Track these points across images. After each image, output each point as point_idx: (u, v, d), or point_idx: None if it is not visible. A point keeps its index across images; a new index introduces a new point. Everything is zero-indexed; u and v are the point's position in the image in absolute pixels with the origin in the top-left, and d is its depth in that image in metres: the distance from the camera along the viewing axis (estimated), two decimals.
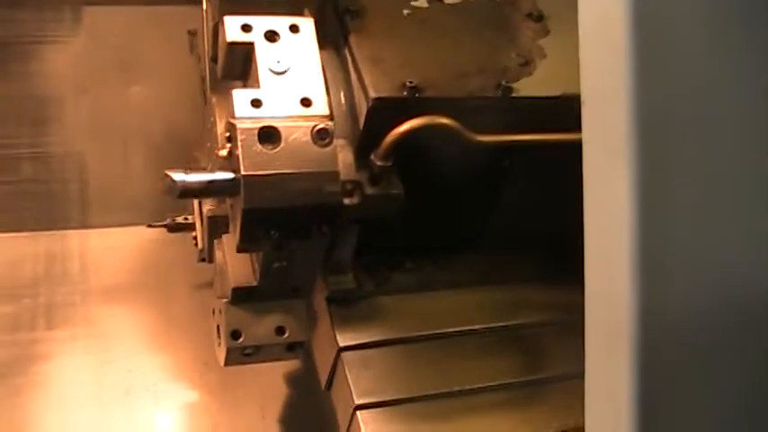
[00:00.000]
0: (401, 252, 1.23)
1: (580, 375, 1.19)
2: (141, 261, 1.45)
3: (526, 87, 1.11)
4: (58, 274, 1.46)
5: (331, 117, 1.05)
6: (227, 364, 1.12)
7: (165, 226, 1.34)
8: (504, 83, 1.10)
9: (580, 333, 1.18)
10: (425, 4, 1.17)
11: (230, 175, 0.95)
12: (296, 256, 1.06)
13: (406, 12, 1.15)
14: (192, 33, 1.26)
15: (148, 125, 1.44)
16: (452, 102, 1.07)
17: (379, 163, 1.05)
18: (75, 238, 1.49)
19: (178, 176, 0.95)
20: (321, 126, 0.96)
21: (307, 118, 0.98)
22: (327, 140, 0.96)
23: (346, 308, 1.20)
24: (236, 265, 1.10)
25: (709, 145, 0.65)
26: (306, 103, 1.01)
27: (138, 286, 1.43)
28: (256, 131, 0.94)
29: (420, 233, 1.21)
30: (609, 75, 0.70)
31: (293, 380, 1.38)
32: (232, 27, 1.03)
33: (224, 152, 0.97)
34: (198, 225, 1.30)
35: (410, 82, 1.06)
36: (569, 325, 1.21)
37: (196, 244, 1.30)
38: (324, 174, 0.95)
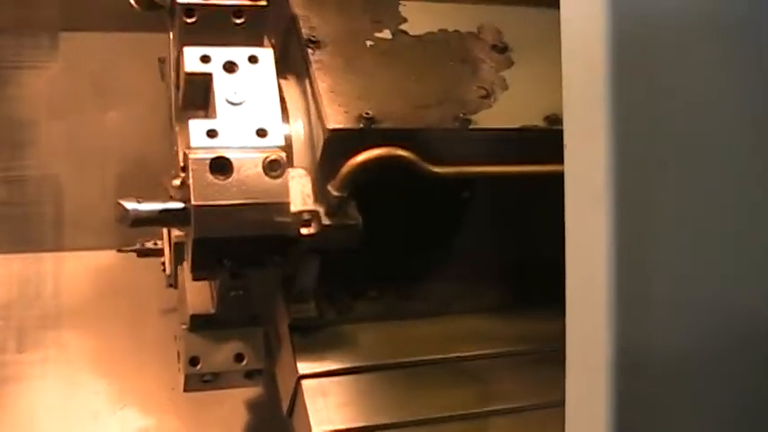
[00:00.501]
0: (364, 281, 1.23)
1: (538, 406, 1.20)
2: (113, 285, 1.46)
3: (485, 119, 1.12)
4: (30, 297, 1.47)
5: (287, 148, 1.07)
6: (186, 389, 1.13)
7: (134, 251, 1.35)
8: (462, 114, 1.10)
9: (538, 364, 1.20)
10: (389, 36, 1.18)
11: (181, 205, 0.96)
12: (252, 284, 1.07)
13: (369, 43, 1.17)
14: (162, 60, 1.28)
15: (123, 150, 1.46)
16: (409, 133, 1.08)
17: (335, 194, 1.06)
18: (49, 261, 1.51)
19: (130, 205, 0.96)
20: (273, 157, 0.97)
21: (261, 149, 0.99)
22: (279, 172, 0.97)
23: (308, 336, 1.20)
24: (194, 293, 1.11)
25: (689, 180, 0.65)
26: (261, 133, 1.02)
27: (109, 310, 1.44)
28: (208, 162, 0.95)
29: (382, 262, 1.21)
30: (588, 113, 0.69)
31: (259, 405, 1.38)
32: (191, 58, 1.04)
33: (177, 182, 0.98)
34: (166, 251, 1.31)
35: (367, 113, 1.07)
36: (527, 356, 1.23)
37: (164, 269, 1.31)
38: (274, 205, 0.96)
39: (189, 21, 1.04)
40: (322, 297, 1.21)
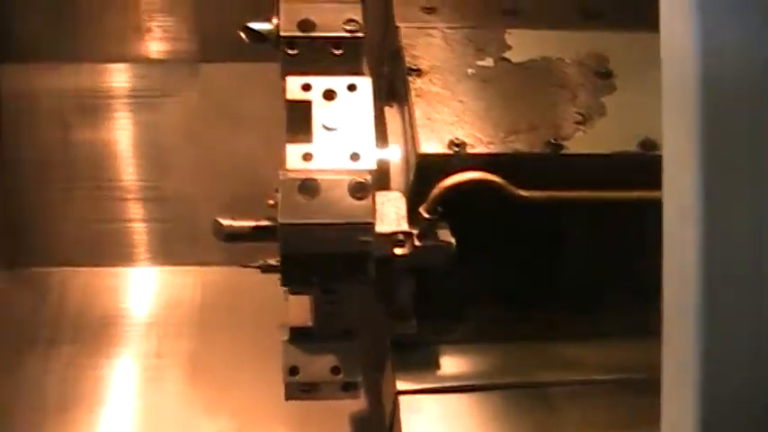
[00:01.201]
0: (465, 303, 1.26)
1: None
2: (238, 298, 1.57)
3: (577, 144, 1.13)
4: (173, 306, 1.61)
5: (381, 172, 1.12)
6: (287, 398, 1.19)
7: (257, 267, 1.43)
8: (553, 140, 1.12)
9: (632, 393, 1.18)
10: (491, 64, 1.22)
11: (270, 223, 1.03)
12: (345, 300, 1.13)
13: (470, 71, 1.20)
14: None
15: (252, 171, 1.56)
16: (498, 158, 1.11)
17: (426, 216, 1.10)
18: (186, 275, 1.64)
19: (225, 222, 1.04)
20: (358, 180, 1.03)
21: (351, 172, 1.05)
22: (363, 194, 1.02)
23: (408, 353, 1.25)
24: (295, 306, 1.17)
25: None
26: (354, 157, 1.08)
27: (232, 321, 1.55)
28: (297, 183, 1.02)
29: (481, 286, 1.24)
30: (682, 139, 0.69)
31: (364, 420, 1.43)
32: (293, 86, 1.12)
33: (271, 201, 1.05)
34: None
35: (457, 139, 1.10)
36: (621, 385, 1.21)
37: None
38: (358, 225, 1.01)
39: (291, 52, 1.12)
40: (423, 317, 1.25)
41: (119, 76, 1.70)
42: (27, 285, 1.68)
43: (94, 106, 1.69)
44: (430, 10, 1.28)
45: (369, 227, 1.02)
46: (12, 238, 1.69)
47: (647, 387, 1.18)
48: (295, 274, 1.04)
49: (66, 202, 1.69)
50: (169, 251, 1.67)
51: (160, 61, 1.67)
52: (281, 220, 1.01)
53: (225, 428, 1.46)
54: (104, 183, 1.69)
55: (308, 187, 1.02)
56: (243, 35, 1.15)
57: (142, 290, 1.66)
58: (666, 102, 0.71)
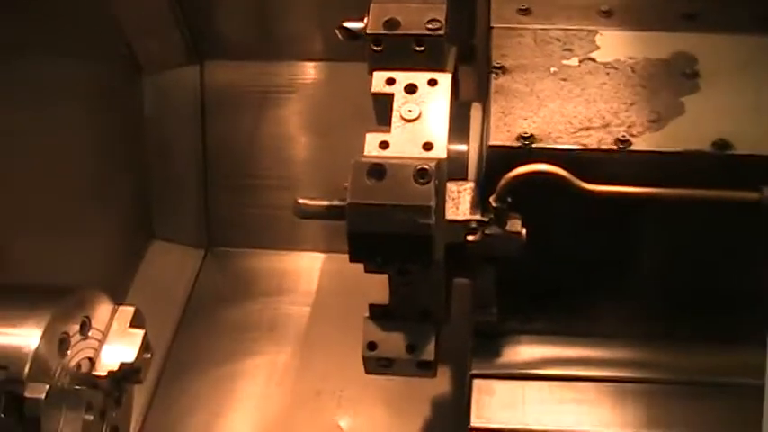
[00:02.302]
0: (549, 295, 1.30)
1: None
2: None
3: (647, 142, 1.14)
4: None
5: (457, 162, 1.20)
6: (367, 371, 1.28)
7: None
8: (623, 137, 1.14)
9: (709, 396, 1.18)
10: (576, 63, 1.25)
11: (342, 203, 1.12)
12: (417, 281, 1.20)
13: (553, 69, 1.25)
14: None
15: None
16: (565, 153, 1.14)
17: (495, 205, 1.15)
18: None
19: (302, 201, 1.15)
20: (422, 167, 1.10)
21: (422, 160, 1.13)
22: (426, 179, 1.09)
23: (487, 340, 1.30)
24: (375, 285, 1.26)
25: None
26: (427, 147, 1.15)
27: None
28: (366, 167, 1.11)
29: (562, 281, 1.28)
30: None
31: (449, 398, 1.50)
32: (378, 81, 1.21)
33: (346, 184, 1.14)
34: None
35: (525, 133, 1.15)
36: (696, 387, 1.21)
37: None
38: (418, 207, 1.09)
39: (377, 49, 1.21)
40: (506, 306, 1.30)
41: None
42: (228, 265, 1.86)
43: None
44: (525, 11, 1.33)
45: (429, 210, 1.09)
46: (215, 221, 1.88)
47: (714, 391, 1.20)
48: (361, 252, 1.12)
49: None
50: None
51: None
52: (349, 200, 1.10)
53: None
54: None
55: (376, 171, 1.11)
56: (338, 33, 1.25)
57: None
58: None
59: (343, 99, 1.77)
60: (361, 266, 1.16)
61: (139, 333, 1.23)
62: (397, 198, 1.09)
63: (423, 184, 1.10)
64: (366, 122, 1.65)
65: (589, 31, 1.29)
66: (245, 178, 1.87)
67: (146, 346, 1.24)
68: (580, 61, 1.25)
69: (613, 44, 1.27)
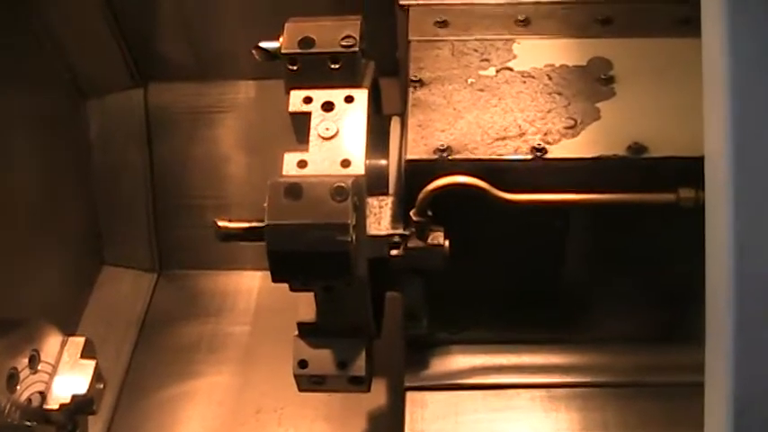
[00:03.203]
0: (479, 305, 1.31)
1: None
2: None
3: (563, 149, 1.15)
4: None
5: (378, 177, 1.20)
6: (300, 389, 1.28)
7: None
8: (538, 145, 1.15)
9: (641, 398, 1.19)
10: (492, 74, 1.26)
11: (261, 224, 1.12)
12: (343, 298, 1.20)
13: (470, 80, 1.25)
14: None
15: None
16: (482, 163, 1.15)
17: (415, 219, 1.16)
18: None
19: (222, 223, 1.15)
20: (339, 184, 1.10)
21: (340, 177, 1.13)
22: (343, 197, 1.09)
23: (419, 351, 1.31)
24: (304, 303, 1.26)
25: None
26: (345, 164, 1.15)
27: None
28: (283, 187, 1.11)
29: (491, 290, 1.28)
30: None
31: (387, 413, 1.50)
32: (295, 99, 1.21)
33: (265, 204, 1.14)
34: None
35: (442, 145, 1.16)
36: (627, 389, 1.23)
37: None
38: (335, 225, 1.09)
39: (292, 68, 1.21)
40: (436, 317, 1.30)
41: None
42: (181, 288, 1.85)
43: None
44: (443, 23, 1.33)
45: (346, 227, 1.09)
46: (166, 244, 1.87)
47: (648, 392, 1.21)
48: (282, 271, 1.12)
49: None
50: None
51: None
52: (267, 221, 1.10)
53: None
54: None
55: (293, 190, 1.10)
56: (255, 54, 1.25)
57: None
58: None
59: (276, 117, 1.76)
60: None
61: (91, 363, 1.22)
62: (314, 217, 1.09)
63: (340, 201, 1.10)
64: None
65: (506, 40, 1.30)
66: (192, 199, 1.86)
67: (98, 376, 1.23)
68: (497, 71, 1.26)
69: (530, 52, 1.28)
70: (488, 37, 1.31)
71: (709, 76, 0.73)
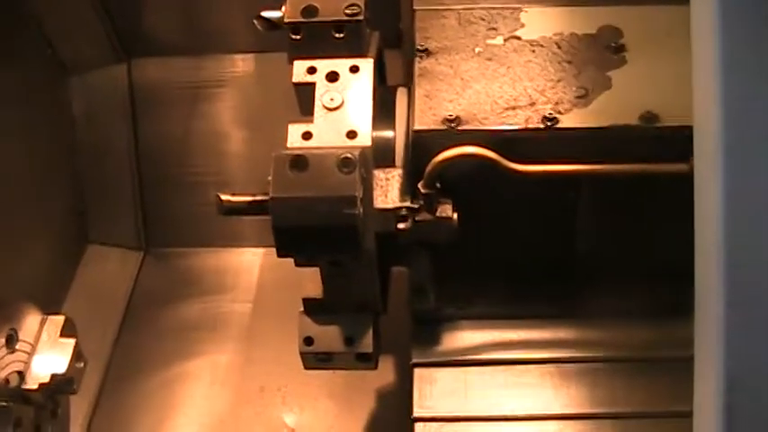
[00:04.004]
0: (484, 280, 1.28)
1: (645, 415, 1.17)
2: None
3: (574, 119, 1.13)
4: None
5: (384, 149, 1.17)
6: (306, 367, 1.25)
7: None
8: (549, 114, 1.12)
9: (648, 372, 1.17)
10: (500, 42, 1.23)
11: (264, 197, 1.09)
12: (351, 273, 1.18)
13: (477, 50, 1.22)
14: None
15: None
16: (492, 133, 1.12)
17: (423, 191, 1.13)
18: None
19: (224, 197, 1.12)
20: (345, 155, 1.07)
21: (343, 148, 1.10)
22: (350, 168, 1.07)
23: (426, 327, 1.28)
24: (308, 279, 1.23)
25: None
26: (351, 135, 1.13)
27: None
28: (288, 159, 1.08)
29: (500, 263, 1.26)
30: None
31: (394, 390, 1.48)
32: (299, 70, 1.18)
33: (270, 178, 1.11)
34: None
35: (450, 115, 1.13)
36: (637, 363, 1.20)
37: None
38: (343, 198, 1.06)
39: (296, 37, 1.18)
40: (444, 292, 1.27)
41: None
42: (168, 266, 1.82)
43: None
44: None
45: (354, 200, 1.06)
46: (152, 221, 1.84)
47: (657, 367, 1.19)
48: (288, 246, 1.09)
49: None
50: None
51: None
52: (272, 194, 1.07)
53: None
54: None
55: (298, 163, 1.08)
56: (257, 23, 1.22)
57: None
58: None
59: (274, 91, 1.73)
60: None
61: (70, 342, 1.20)
62: (320, 189, 1.06)
63: (347, 173, 1.07)
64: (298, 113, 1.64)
65: (514, 8, 1.27)
66: (180, 176, 1.83)
67: (78, 355, 1.20)
68: (505, 40, 1.23)
69: (538, 21, 1.25)
70: (495, 5, 1.28)
71: (698, 49, 0.71)
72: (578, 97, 1.15)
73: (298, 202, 1.07)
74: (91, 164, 1.82)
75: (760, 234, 0.68)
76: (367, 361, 1.24)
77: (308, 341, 1.23)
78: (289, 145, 1.13)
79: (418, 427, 1.20)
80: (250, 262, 1.78)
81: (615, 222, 1.21)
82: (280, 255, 1.11)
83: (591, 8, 1.26)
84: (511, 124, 1.13)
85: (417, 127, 1.14)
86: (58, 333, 1.20)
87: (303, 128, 1.13)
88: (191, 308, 1.72)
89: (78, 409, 1.48)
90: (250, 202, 1.11)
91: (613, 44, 1.20)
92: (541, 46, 1.22)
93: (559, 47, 1.21)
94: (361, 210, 1.06)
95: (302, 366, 1.26)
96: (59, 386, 1.18)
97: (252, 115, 1.82)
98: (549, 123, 1.12)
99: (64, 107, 1.81)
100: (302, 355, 1.23)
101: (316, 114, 1.14)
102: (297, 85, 1.18)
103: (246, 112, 1.82)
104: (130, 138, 1.81)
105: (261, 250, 1.77)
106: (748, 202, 0.68)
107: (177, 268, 1.80)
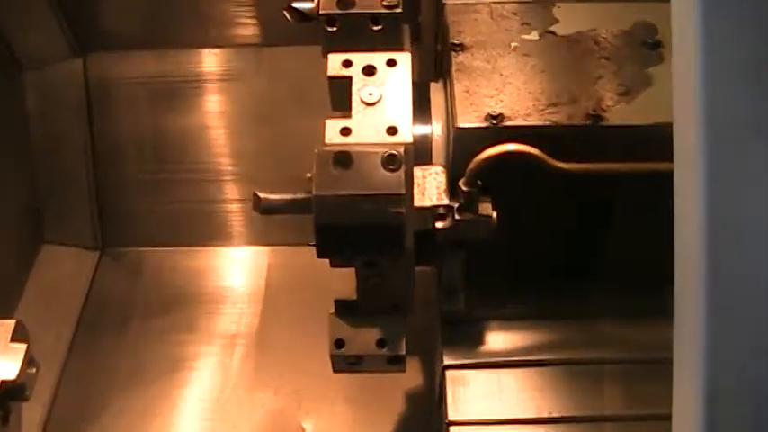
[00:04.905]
0: (515, 280, 1.26)
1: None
2: (305, 278, 1.60)
3: (619, 116, 1.11)
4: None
5: (421, 145, 1.14)
6: (335, 370, 1.22)
7: None
8: (593, 112, 1.10)
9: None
10: (536, 38, 1.21)
11: (306, 196, 1.05)
12: (387, 273, 1.14)
13: (513, 45, 1.20)
14: None
15: None
16: (536, 130, 1.10)
17: (464, 189, 1.10)
18: (254, 255, 1.71)
19: (263, 195, 1.08)
20: (391, 152, 1.04)
21: (387, 145, 1.06)
22: (396, 166, 1.03)
23: (457, 329, 1.25)
24: (340, 280, 1.19)
25: None
26: (391, 131, 1.09)
27: (302, 301, 1.59)
28: (331, 156, 1.04)
29: (533, 262, 1.23)
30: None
31: (422, 394, 1.45)
32: (334, 63, 1.14)
33: (309, 175, 1.07)
34: None
35: (493, 112, 1.10)
36: (664, 364, 1.19)
37: None
38: (389, 196, 1.02)
39: (331, 29, 1.14)
40: (474, 293, 1.25)
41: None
42: (120, 266, 1.76)
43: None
44: None
45: (400, 198, 1.03)
46: (104, 220, 1.78)
47: None
48: (330, 246, 1.06)
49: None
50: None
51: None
52: (315, 192, 1.03)
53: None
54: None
55: (342, 160, 1.04)
56: (287, 15, 1.18)
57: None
58: None
59: (239, 87, 1.72)
60: (249, 259, 1.09)
61: (22, 347, 1.14)
62: (366, 187, 1.03)
63: (392, 170, 1.04)
64: (251, 112, 1.59)
65: (545, 3, 1.25)
66: (138, 174, 1.78)
67: (30, 361, 1.15)
68: (540, 35, 1.21)
69: (572, 16, 1.23)
70: (526, 0, 1.26)
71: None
72: (620, 94, 1.13)
73: (342, 199, 1.03)
74: (46, 161, 1.76)
75: (742, 237, 0.65)
76: (398, 364, 1.20)
77: (339, 343, 1.19)
78: (327, 141, 1.08)
79: (453, 431, 1.17)
80: (209, 261, 1.74)
81: (651, 222, 1.19)
82: (320, 255, 1.07)
83: (623, 3, 1.25)
84: (554, 121, 1.11)
85: (460, 124, 1.11)
86: (9, 338, 1.15)
87: (341, 123, 1.09)
88: (148, 309, 1.66)
89: (32, 415, 1.44)
90: (290, 201, 1.07)
91: (650, 40, 1.19)
92: (578, 42, 1.20)
93: (596, 43, 1.20)
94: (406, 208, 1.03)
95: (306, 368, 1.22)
96: (10, 393, 1.13)
97: (214, 112, 1.77)
98: (593, 120, 1.10)
99: (18, 103, 1.75)
100: (332, 357, 1.20)
101: (354, 109, 1.11)
102: (332, 78, 1.14)
103: (208, 109, 1.78)
104: (86, 134, 1.76)
105: (223, 249, 1.74)
106: (729, 206, 0.66)
107: (136, 269, 1.74)
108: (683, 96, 0.70)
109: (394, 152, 1.04)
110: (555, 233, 1.21)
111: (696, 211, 0.66)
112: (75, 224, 1.79)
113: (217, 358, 1.59)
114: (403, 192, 1.03)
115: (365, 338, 1.18)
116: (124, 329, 1.65)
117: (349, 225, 1.04)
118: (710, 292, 0.65)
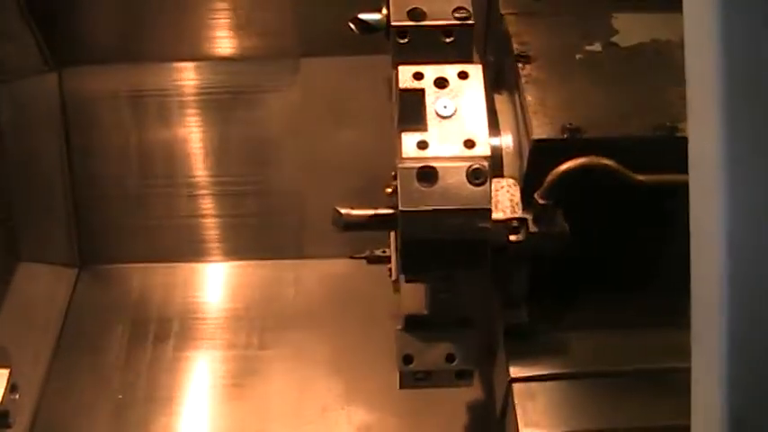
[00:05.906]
0: (578, 290, 1.26)
1: None
2: (346, 290, 1.58)
3: None
4: (271, 300, 1.64)
5: (496, 158, 1.13)
6: (401, 386, 1.20)
7: (365, 258, 1.45)
8: (668, 123, 1.11)
9: None
10: (599, 49, 1.21)
11: (390, 211, 1.04)
12: (460, 287, 1.13)
13: (578, 56, 1.20)
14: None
15: (357, 165, 1.58)
16: (613, 142, 1.10)
17: (541, 202, 1.10)
18: (289, 268, 1.67)
19: (344, 210, 1.06)
20: (476, 166, 1.03)
21: (467, 158, 1.05)
22: (481, 180, 1.03)
23: (521, 341, 1.25)
24: (409, 295, 1.18)
25: None
26: (469, 144, 1.08)
27: (341, 314, 1.56)
28: (415, 171, 1.03)
29: (593, 272, 1.23)
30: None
31: (475, 407, 1.44)
32: (405, 75, 1.12)
33: (389, 190, 1.06)
34: (393, 257, 1.40)
35: (570, 124, 1.10)
36: None
37: (390, 275, 1.40)
38: (476, 211, 1.02)
39: (402, 41, 1.13)
40: (535, 304, 1.24)
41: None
42: (104, 283, 1.73)
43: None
44: None
45: (487, 213, 1.02)
46: (86, 237, 1.75)
47: None
48: (415, 262, 1.05)
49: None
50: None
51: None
52: (401, 208, 1.02)
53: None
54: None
55: (427, 175, 1.03)
56: (353, 26, 1.16)
57: None
58: None
59: (217, 99, 1.70)
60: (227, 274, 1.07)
61: (4, 373, 1.12)
62: (452, 202, 1.02)
63: (478, 185, 1.03)
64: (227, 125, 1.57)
65: (603, 15, 1.25)
66: (116, 189, 1.76)
67: (12, 387, 1.12)
68: (603, 47, 1.21)
69: (632, 28, 1.24)
70: (584, 11, 1.26)
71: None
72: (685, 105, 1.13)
73: (428, 215, 1.02)
74: (20, 177, 1.73)
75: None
76: (466, 378, 1.20)
77: (408, 359, 1.18)
78: (404, 155, 1.07)
79: None
80: (187, 277, 1.72)
81: None
82: (404, 270, 1.06)
83: (680, 14, 1.25)
84: (632, 132, 1.11)
85: (536, 136, 1.10)
86: None
87: (418, 137, 1.08)
88: (126, 327, 1.63)
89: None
90: (372, 216, 1.05)
91: None
92: (641, 53, 1.20)
93: (660, 54, 1.20)
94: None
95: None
96: None
97: (192, 126, 1.76)
98: (668, 131, 1.10)
99: None
100: (401, 373, 1.18)
101: (429, 122, 1.10)
102: (404, 91, 1.12)
103: (186, 122, 1.76)
104: (62, 149, 1.73)
105: (200, 266, 1.73)
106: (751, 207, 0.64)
107: (116, 285, 1.72)
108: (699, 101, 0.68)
109: (478, 166, 1.03)
110: (618, 244, 1.21)
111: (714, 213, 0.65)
112: (52, 241, 1.76)
113: (196, 375, 1.57)
114: (489, 206, 1.02)
115: (434, 354, 1.17)
116: (103, 347, 1.62)
117: (435, 240, 1.03)
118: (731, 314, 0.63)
